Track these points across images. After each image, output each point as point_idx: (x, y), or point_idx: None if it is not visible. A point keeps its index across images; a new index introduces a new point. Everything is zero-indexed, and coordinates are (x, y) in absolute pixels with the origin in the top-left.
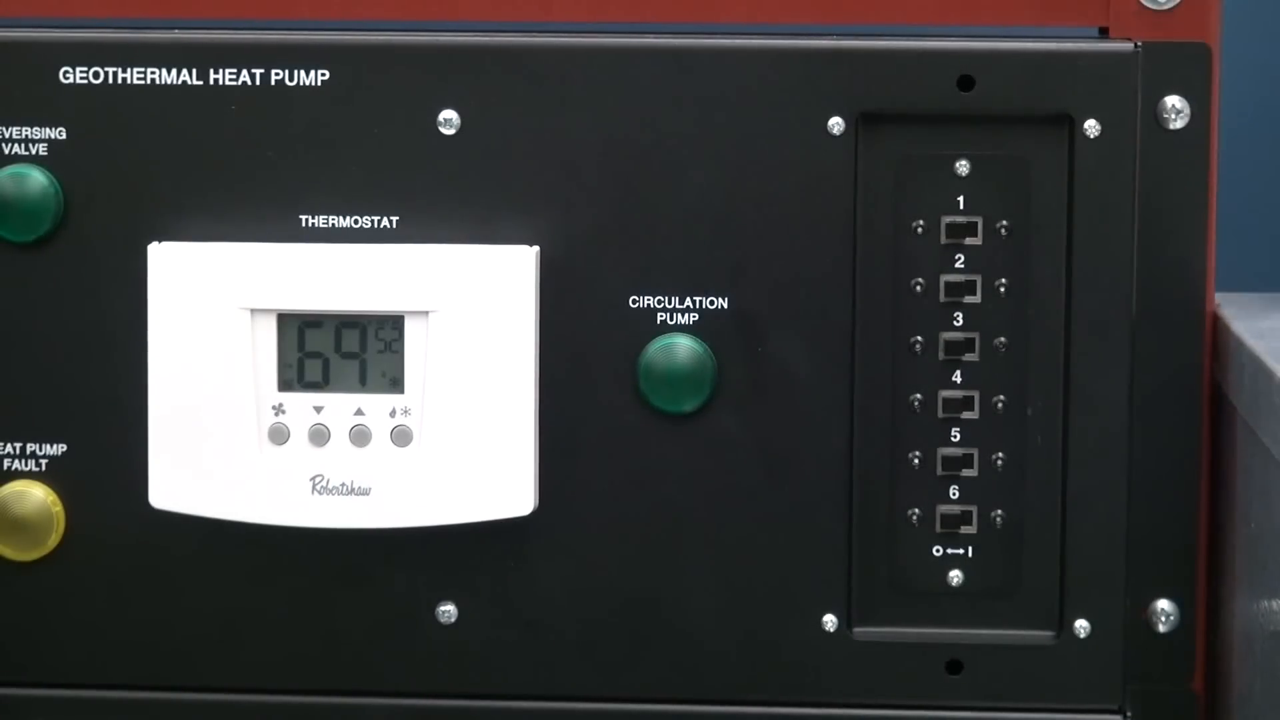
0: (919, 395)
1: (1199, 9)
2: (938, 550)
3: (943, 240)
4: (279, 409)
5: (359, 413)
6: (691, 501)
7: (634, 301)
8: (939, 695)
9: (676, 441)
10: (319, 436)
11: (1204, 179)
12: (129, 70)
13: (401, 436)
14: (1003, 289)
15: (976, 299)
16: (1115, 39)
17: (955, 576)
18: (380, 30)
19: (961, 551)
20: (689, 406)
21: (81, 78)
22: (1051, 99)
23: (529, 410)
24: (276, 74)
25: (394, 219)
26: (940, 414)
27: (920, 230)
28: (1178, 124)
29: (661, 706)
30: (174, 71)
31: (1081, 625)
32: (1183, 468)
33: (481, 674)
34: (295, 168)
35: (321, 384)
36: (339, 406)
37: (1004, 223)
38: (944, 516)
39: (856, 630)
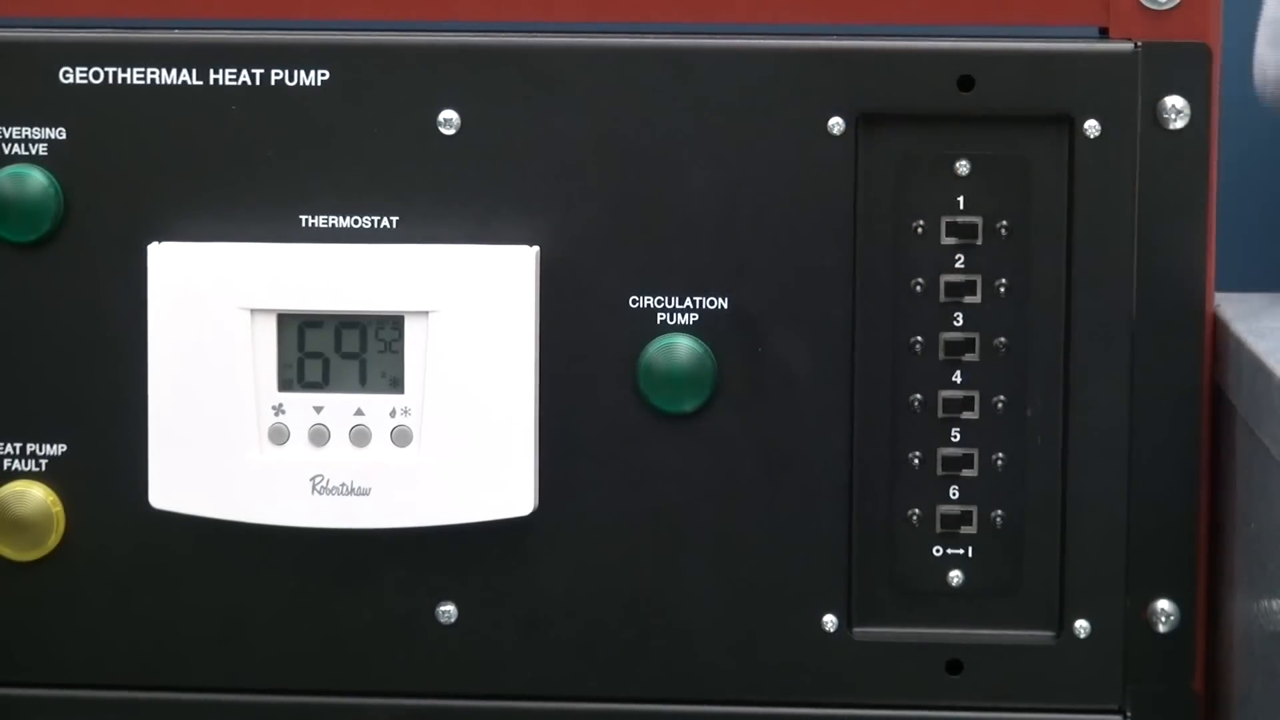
0: (919, 395)
1: (1199, 9)
2: (938, 550)
3: (943, 240)
4: (279, 409)
5: (359, 413)
6: (691, 501)
7: (634, 301)
8: (939, 695)
9: (676, 441)
10: (319, 436)
11: (1204, 179)
12: (129, 70)
13: (401, 436)
14: (1003, 289)
15: (976, 299)
16: (1115, 39)
17: (955, 576)
18: (380, 30)
19: (961, 551)
20: (689, 406)
21: (81, 78)
22: (1051, 99)
23: (529, 410)
24: (276, 74)
25: (394, 219)
26: (940, 414)
27: (920, 230)
28: (1178, 124)
29: (661, 707)
30: (174, 71)
31: (1081, 625)
32: (1183, 468)
33: (481, 674)
34: (295, 168)
35: (321, 384)
36: (339, 406)
37: (1004, 223)
38: (944, 516)
39: (856, 630)
